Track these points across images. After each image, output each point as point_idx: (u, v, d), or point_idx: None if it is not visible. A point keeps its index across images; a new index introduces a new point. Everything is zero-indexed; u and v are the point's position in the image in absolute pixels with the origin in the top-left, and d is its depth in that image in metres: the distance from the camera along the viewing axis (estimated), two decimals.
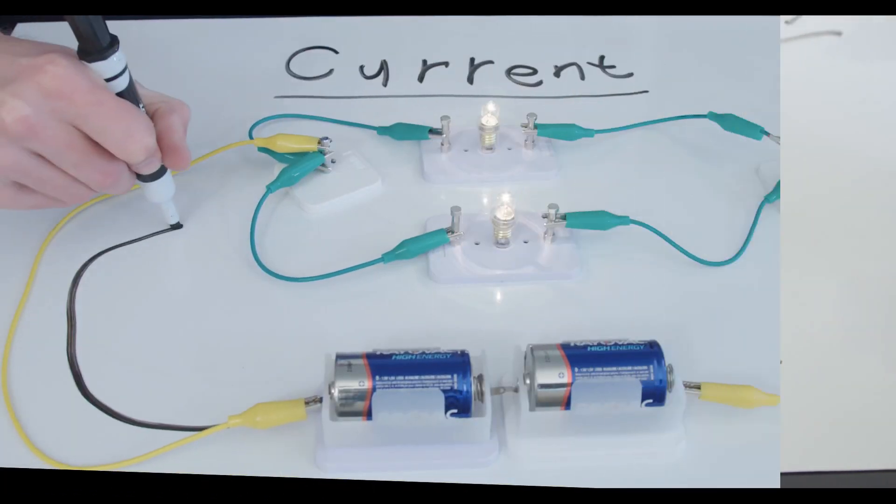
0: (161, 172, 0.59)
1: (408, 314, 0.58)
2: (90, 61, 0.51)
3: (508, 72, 0.81)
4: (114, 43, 0.52)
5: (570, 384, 0.48)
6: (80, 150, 0.51)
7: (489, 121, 0.69)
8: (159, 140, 0.55)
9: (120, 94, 0.53)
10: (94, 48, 0.51)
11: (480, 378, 0.49)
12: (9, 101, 0.48)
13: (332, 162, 0.68)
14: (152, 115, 0.56)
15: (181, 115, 0.57)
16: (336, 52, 0.83)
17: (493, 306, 0.59)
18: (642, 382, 0.48)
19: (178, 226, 0.64)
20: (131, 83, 0.54)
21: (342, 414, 0.48)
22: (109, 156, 0.53)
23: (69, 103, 0.49)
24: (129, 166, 0.55)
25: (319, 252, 0.62)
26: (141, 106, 0.55)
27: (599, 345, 0.50)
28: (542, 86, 0.79)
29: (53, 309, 0.58)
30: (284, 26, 0.85)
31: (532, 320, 0.58)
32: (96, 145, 0.52)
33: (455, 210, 0.60)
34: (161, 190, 0.60)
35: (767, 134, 0.69)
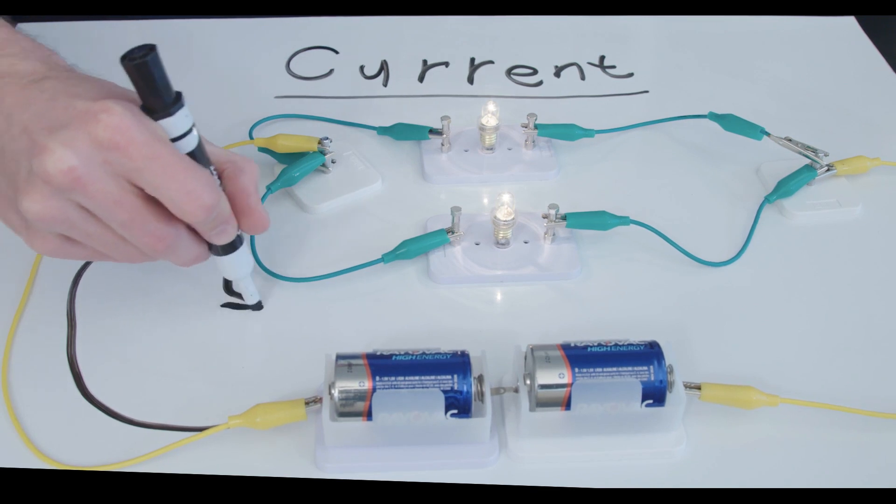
0: (236, 245, 0.53)
1: (408, 314, 0.58)
2: (154, 118, 0.46)
3: (508, 72, 0.81)
4: (179, 98, 0.47)
5: (571, 384, 0.48)
6: (130, 208, 0.46)
7: (489, 121, 0.69)
8: (232, 204, 0.51)
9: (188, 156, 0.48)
10: (159, 105, 0.46)
11: (480, 378, 0.49)
12: (58, 149, 0.44)
13: (333, 162, 0.68)
14: (220, 176, 0.51)
15: (251, 174, 0.52)
16: (336, 52, 0.83)
17: (493, 306, 0.59)
18: (642, 383, 0.48)
19: (258, 307, 0.58)
20: (200, 144, 0.49)
21: (342, 414, 0.48)
22: (166, 219, 0.48)
23: (122, 156, 0.44)
24: (197, 233, 0.50)
25: (320, 252, 0.62)
26: (211, 168, 0.50)
27: (600, 345, 0.50)
28: (542, 86, 0.79)
29: (53, 309, 0.58)
30: (284, 26, 0.85)
31: (532, 320, 0.58)
32: (153, 206, 0.47)
33: (455, 210, 0.60)
34: (236, 264, 0.54)
35: (768, 134, 0.69)
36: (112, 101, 0.45)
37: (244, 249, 0.54)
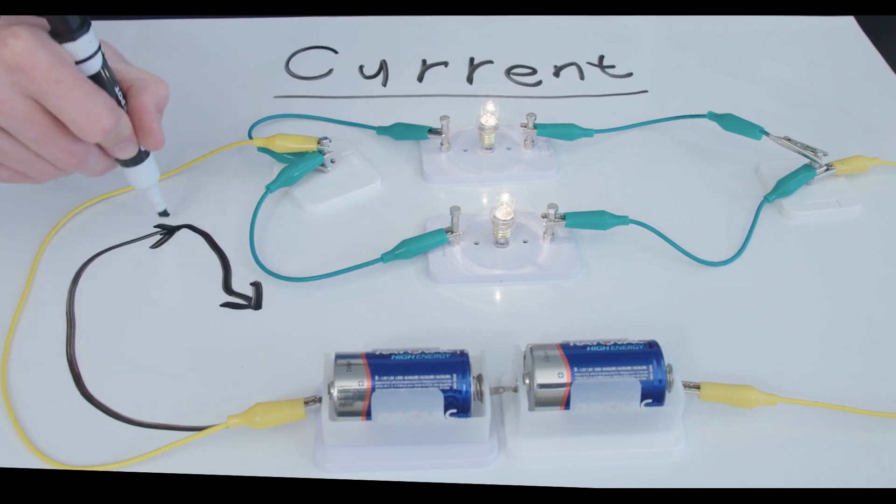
0: (141, 158, 0.58)
1: (407, 314, 0.58)
2: (60, 42, 0.50)
3: (508, 72, 0.81)
4: (84, 24, 0.51)
5: (570, 384, 0.48)
6: (41, 126, 0.50)
7: (488, 120, 0.69)
8: (132, 120, 0.55)
9: (91, 78, 0.52)
10: (64, 29, 0.50)
11: (480, 378, 0.49)
12: None
13: (332, 162, 0.68)
14: (126, 94, 0.55)
15: (154, 93, 0.55)
16: (335, 51, 0.83)
17: (492, 306, 0.59)
18: (642, 382, 0.48)
19: (164, 213, 0.63)
20: (104, 67, 0.53)
21: (341, 414, 0.48)
22: (74, 135, 0.52)
23: (28, 78, 0.48)
24: (103, 148, 0.54)
25: (319, 252, 0.62)
26: (116, 88, 0.54)
27: (599, 344, 0.50)
28: (541, 86, 0.79)
29: (53, 309, 0.58)
30: (284, 26, 0.85)
31: (531, 320, 0.58)
32: (59, 122, 0.51)
33: (454, 210, 0.60)
34: (142, 176, 0.59)
35: (767, 134, 0.69)
36: (19, 27, 0.48)
37: (150, 162, 0.58)
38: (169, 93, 0.56)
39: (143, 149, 0.58)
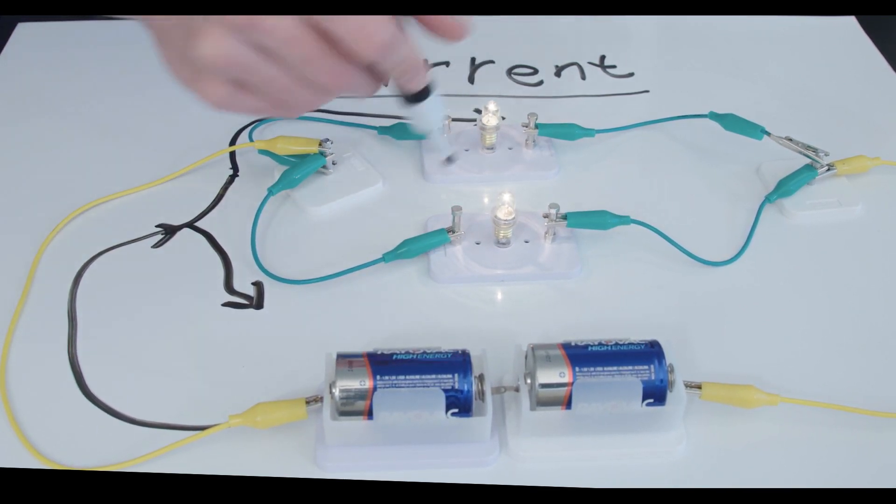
0: (425, 94, 0.52)
1: (409, 314, 0.58)
2: None
3: (509, 71, 0.81)
4: None
5: (571, 384, 0.48)
6: (308, 44, 0.44)
7: (490, 120, 0.69)
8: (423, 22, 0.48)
9: None
10: None
11: (481, 377, 0.49)
12: None
13: (333, 164, 0.68)
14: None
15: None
16: None
17: (493, 306, 0.59)
18: (643, 382, 0.48)
19: (451, 160, 0.60)
20: None
21: (343, 413, 0.48)
22: (345, 54, 0.46)
23: None
24: (378, 73, 0.48)
25: (320, 253, 0.62)
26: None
27: (600, 344, 0.50)
28: (542, 85, 0.79)
29: (53, 309, 0.58)
30: None
31: (533, 320, 0.58)
32: (329, 40, 0.45)
33: (456, 210, 0.60)
34: (427, 115, 0.53)
35: (768, 134, 0.69)
36: None
37: (435, 98, 0.53)
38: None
39: (430, 83, 0.52)
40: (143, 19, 0.47)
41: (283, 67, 0.45)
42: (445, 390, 0.47)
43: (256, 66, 0.45)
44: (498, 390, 0.51)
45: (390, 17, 0.46)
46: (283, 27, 0.43)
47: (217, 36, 0.43)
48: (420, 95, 0.52)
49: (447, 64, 0.82)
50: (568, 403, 0.48)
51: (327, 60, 0.45)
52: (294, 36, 0.44)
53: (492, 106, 0.69)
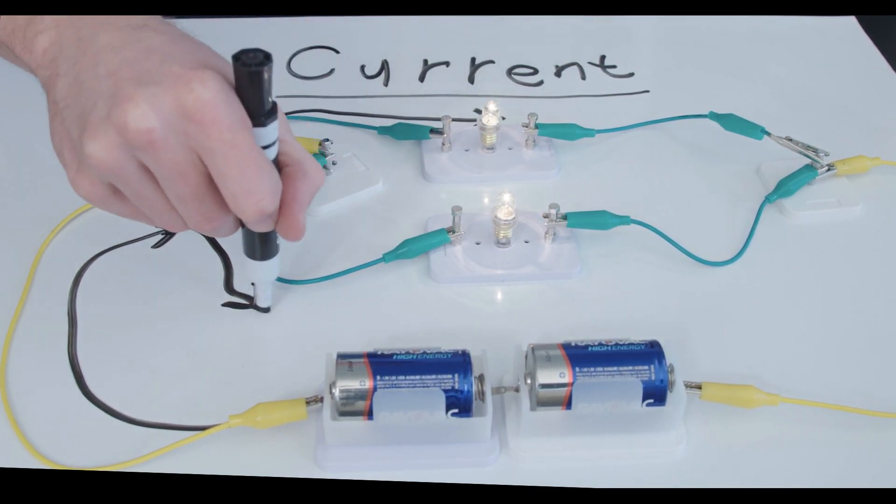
0: (272, 251, 0.53)
1: (409, 314, 0.58)
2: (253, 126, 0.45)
3: (509, 71, 0.81)
4: (274, 109, 0.46)
5: (571, 384, 0.48)
6: (193, 184, 0.45)
7: (490, 120, 0.69)
8: (280, 202, 0.48)
9: None
10: (259, 112, 0.45)
11: (481, 378, 0.49)
12: (142, 105, 0.42)
13: (334, 164, 0.68)
14: (280, 172, 0.48)
15: (312, 182, 0.49)
16: (337, 51, 0.83)
17: (493, 306, 0.59)
18: (643, 382, 0.48)
19: (266, 310, 0.58)
20: (277, 154, 0.48)
21: (343, 413, 0.48)
22: (221, 202, 0.46)
23: (203, 133, 0.43)
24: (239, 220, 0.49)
25: (320, 253, 0.62)
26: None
27: (600, 344, 0.50)
28: (542, 85, 0.79)
29: (54, 309, 0.58)
30: (285, 26, 0.85)
31: (533, 320, 0.58)
32: (211, 186, 0.46)
33: (456, 210, 0.60)
34: (264, 270, 0.54)
35: (768, 134, 0.69)
36: (210, 73, 0.43)
37: (277, 259, 0.54)
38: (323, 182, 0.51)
39: (278, 242, 0.53)
40: (47, 91, 0.48)
41: (160, 193, 0.46)
42: (445, 390, 0.47)
43: (136, 183, 0.45)
44: (498, 390, 0.51)
45: (278, 182, 0.47)
46: (175, 161, 0.44)
47: (109, 143, 0.43)
48: (266, 252, 0.53)
49: (447, 64, 0.82)
50: (568, 404, 0.48)
51: (205, 204, 0.46)
52: (182, 172, 0.44)
53: (492, 106, 0.69)
